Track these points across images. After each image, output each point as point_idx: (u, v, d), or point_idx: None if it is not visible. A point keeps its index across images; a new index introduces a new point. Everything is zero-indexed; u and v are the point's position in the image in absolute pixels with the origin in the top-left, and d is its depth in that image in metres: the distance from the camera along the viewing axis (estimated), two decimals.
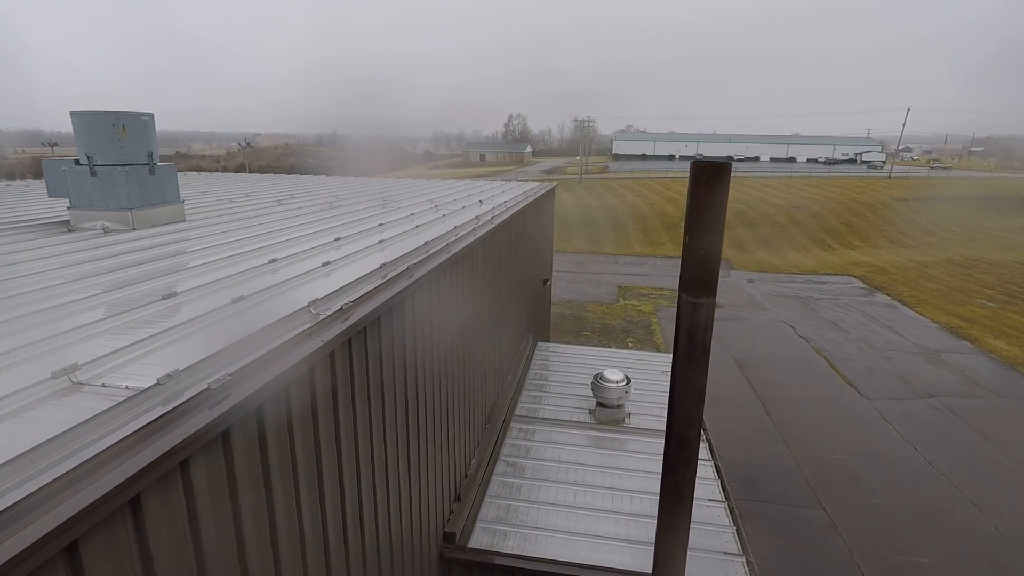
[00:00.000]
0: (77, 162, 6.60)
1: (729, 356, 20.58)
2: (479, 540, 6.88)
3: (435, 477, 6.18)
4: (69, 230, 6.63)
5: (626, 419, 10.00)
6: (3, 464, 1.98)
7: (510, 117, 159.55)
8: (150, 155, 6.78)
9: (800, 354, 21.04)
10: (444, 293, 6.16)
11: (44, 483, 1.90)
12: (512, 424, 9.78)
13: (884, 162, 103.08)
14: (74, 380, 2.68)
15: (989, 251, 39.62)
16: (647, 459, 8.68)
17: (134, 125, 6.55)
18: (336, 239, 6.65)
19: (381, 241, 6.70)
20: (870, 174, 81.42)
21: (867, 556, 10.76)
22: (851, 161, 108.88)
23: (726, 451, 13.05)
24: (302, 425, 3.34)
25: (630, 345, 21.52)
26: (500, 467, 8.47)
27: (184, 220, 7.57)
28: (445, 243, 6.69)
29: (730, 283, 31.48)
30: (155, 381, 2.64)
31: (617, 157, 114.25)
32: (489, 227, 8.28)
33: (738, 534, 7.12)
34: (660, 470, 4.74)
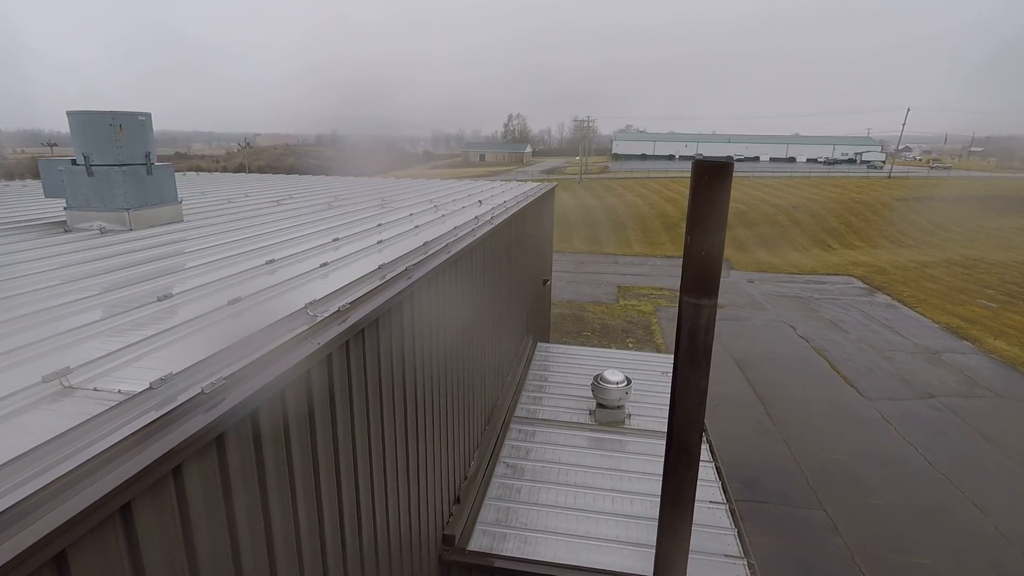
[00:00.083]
0: (74, 162, 6.55)
1: (729, 356, 20.54)
2: (479, 542, 6.85)
3: (434, 479, 6.13)
4: (66, 231, 6.58)
5: (626, 420, 9.96)
6: None
7: (510, 117, 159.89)
8: (147, 155, 6.72)
9: (800, 354, 21.01)
10: (443, 294, 6.12)
11: (31, 491, 1.86)
12: (512, 425, 9.74)
13: (884, 162, 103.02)
14: (66, 384, 2.63)
15: (989, 251, 39.61)
16: (648, 461, 8.64)
17: (131, 125, 6.50)
18: (335, 240, 6.61)
19: (380, 242, 6.65)
20: (870, 174, 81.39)
21: (868, 557, 10.73)
22: (851, 161, 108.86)
23: (726, 451, 12.99)
24: (299, 429, 3.29)
25: (630, 345, 21.49)
26: (500, 469, 8.43)
27: (182, 220, 7.52)
28: (444, 244, 6.64)
29: (730, 283, 31.45)
30: (148, 385, 2.59)
31: (617, 157, 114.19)
32: (489, 227, 8.24)
33: (739, 536, 7.08)
34: (661, 472, 4.71)
